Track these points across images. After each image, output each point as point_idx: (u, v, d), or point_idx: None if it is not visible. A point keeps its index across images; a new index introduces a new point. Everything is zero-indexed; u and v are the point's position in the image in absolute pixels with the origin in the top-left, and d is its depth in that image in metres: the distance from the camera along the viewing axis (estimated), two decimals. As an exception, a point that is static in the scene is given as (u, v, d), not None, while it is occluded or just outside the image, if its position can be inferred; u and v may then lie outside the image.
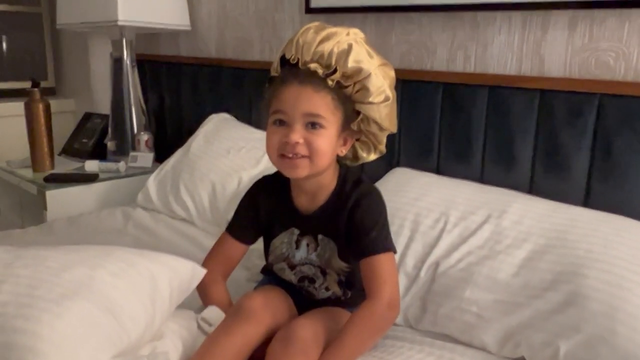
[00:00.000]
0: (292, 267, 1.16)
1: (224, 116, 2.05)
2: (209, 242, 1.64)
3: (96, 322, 0.81)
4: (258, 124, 1.99)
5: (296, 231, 1.13)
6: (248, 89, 2.06)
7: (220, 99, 2.16)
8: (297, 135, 0.99)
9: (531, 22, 1.40)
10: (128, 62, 2.20)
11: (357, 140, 1.10)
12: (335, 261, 1.11)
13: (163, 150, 2.22)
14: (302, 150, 1.00)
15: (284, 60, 1.05)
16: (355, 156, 1.14)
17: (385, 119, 1.05)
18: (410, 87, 1.58)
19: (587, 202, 1.31)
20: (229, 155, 1.82)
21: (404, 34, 1.65)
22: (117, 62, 2.21)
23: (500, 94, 1.42)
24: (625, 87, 1.24)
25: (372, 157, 1.14)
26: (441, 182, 1.41)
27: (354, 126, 1.06)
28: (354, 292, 1.15)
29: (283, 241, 1.15)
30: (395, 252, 1.06)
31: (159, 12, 2.10)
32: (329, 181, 1.09)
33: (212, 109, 2.13)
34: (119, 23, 1.97)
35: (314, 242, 1.12)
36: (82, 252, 0.96)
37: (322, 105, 0.99)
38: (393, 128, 1.09)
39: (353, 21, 1.74)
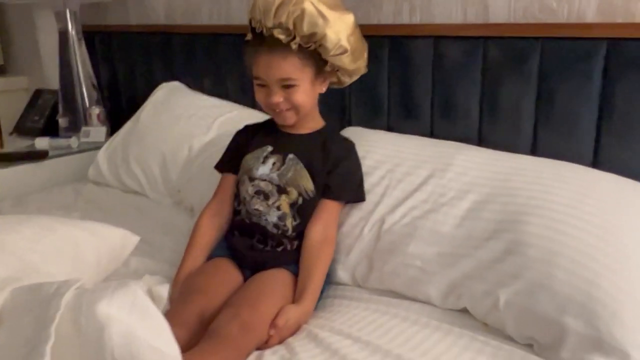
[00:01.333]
0: (252, 179, 1.22)
1: (174, 84, 1.99)
2: (162, 213, 1.62)
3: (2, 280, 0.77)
4: (210, 91, 1.94)
5: (269, 148, 1.24)
6: (198, 55, 2.00)
7: (171, 67, 2.09)
8: (276, 97, 1.16)
9: (474, -32, 1.35)
10: (74, 34, 2.12)
11: (337, 71, 1.22)
12: (304, 179, 1.20)
13: (120, 123, 2.14)
14: (284, 106, 1.18)
15: (252, 25, 1.18)
16: (339, 81, 1.27)
17: (349, 63, 1.19)
18: (357, 43, 1.53)
19: (535, 150, 1.29)
20: (179, 124, 1.76)
21: (350, -12, 1.59)
22: (63, 36, 2.13)
23: (444, 44, 1.38)
24: (567, 29, 1.21)
25: (354, 79, 1.28)
26: (388, 138, 1.37)
27: (327, 68, 1.20)
28: (298, 235, 1.18)
29: (253, 156, 1.25)
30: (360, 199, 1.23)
31: (101, -22, 2.02)
32: (310, 116, 1.25)
33: (164, 78, 2.06)
34: (58, -9, 1.88)
35: (281, 162, 1.21)
36: (-4, 221, 0.92)
37: (291, 68, 1.14)
38: (362, 63, 1.24)
39: (299, -22, 1.67)
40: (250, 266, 1.18)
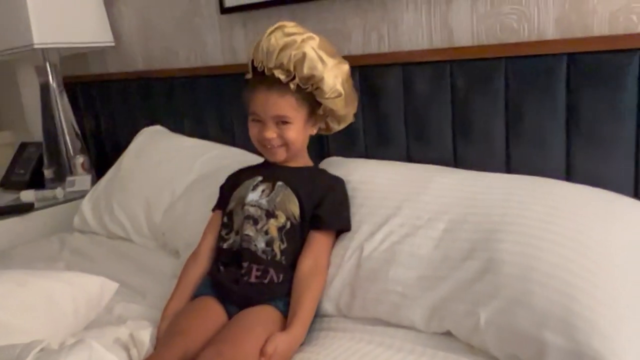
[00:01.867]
0: (243, 205, 1.25)
1: (155, 128, 2.01)
2: (148, 258, 1.62)
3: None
4: (190, 132, 1.96)
5: (259, 178, 1.28)
6: (178, 98, 2.03)
7: (152, 112, 2.12)
8: (270, 132, 1.23)
9: (435, -5, 1.39)
10: (55, 86, 2.15)
11: (326, 117, 1.31)
12: (291, 204, 1.23)
13: (105, 170, 2.15)
14: (276, 142, 1.24)
15: (254, 65, 1.26)
16: (328, 128, 1.36)
17: (341, 108, 1.28)
18: (329, 75, 1.56)
19: (509, 167, 1.30)
20: (160, 167, 1.78)
21: (320, 22, 1.62)
22: (45, 89, 2.16)
23: (412, 70, 1.41)
24: (527, 48, 1.24)
25: (342, 126, 1.37)
26: (365, 165, 1.38)
27: (320, 111, 1.28)
28: (285, 260, 1.19)
29: (244, 187, 1.28)
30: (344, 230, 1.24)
31: (78, 30, 2.05)
32: (299, 155, 1.31)
33: (146, 123, 2.08)
34: (36, 46, 1.91)
35: (270, 189, 1.25)
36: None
37: (287, 106, 1.21)
38: (353, 110, 1.33)
39: (269, 17, 1.72)
40: (236, 302, 1.17)
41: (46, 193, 2.03)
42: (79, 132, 2.22)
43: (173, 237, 1.60)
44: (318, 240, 1.21)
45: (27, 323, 0.84)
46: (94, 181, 2.13)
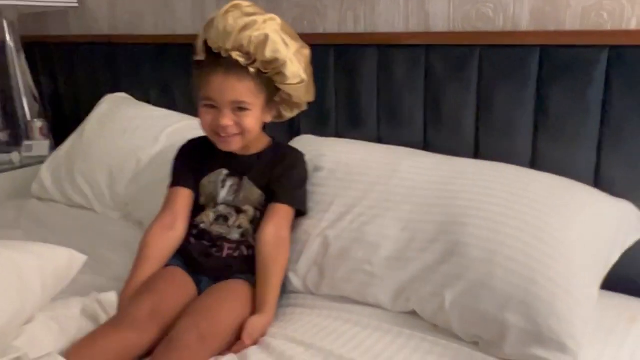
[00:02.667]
0: (215, 205, 1.23)
1: (120, 96, 1.95)
2: (110, 228, 1.59)
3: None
4: (156, 102, 1.91)
5: (224, 171, 1.24)
6: (144, 65, 1.97)
7: (117, 78, 2.05)
8: (227, 119, 1.14)
9: (414, -22, 1.39)
10: (12, 45, 2.05)
11: (281, 104, 1.25)
12: (255, 195, 1.21)
13: (63, 136, 2.08)
14: (233, 130, 1.15)
15: (207, 45, 1.15)
16: (280, 115, 1.29)
17: (302, 95, 1.22)
18: (303, 52, 1.55)
19: (477, 153, 1.33)
20: (125, 136, 1.73)
21: (295, -3, 1.60)
22: (1, 46, 2.05)
23: (388, 52, 1.41)
24: (501, 37, 1.26)
25: (294, 114, 1.30)
26: (338, 145, 1.39)
27: (277, 98, 1.22)
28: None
29: (210, 180, 1.24)
30: (301, 209, 1.23)
31: (39, -12, 1.96)
32: (255, 140, 1.23)
33: (109, 89, 2.02)
34: (-7, 2, 1.82)
35: (237, 184, 1.22)
36: None
37: (246, 92, 1.13)
38: (309, 98, 1.26)
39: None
40: (206, 274, 1.17)
41: (1, 157, 1.95)
42: (37, 95, 2.14)
43: (137, 207, 1.58)
44: (277, 211, 1.19)
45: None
46: (52, 147, 2.06)
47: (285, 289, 1.20)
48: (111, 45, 2.04)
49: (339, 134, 1.54)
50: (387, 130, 1.47)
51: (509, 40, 1.25)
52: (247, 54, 1.12)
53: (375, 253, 1.12)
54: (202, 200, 1.25)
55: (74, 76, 2.21)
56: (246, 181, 1.22)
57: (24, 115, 2.09)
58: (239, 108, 1.14)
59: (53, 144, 2.07)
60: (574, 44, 1.17)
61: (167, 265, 1.20)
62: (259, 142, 1.26)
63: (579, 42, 1.17)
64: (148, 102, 1.93)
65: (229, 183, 1.23)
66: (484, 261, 1.00)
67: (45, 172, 1.79)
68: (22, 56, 2.09)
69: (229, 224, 1.21)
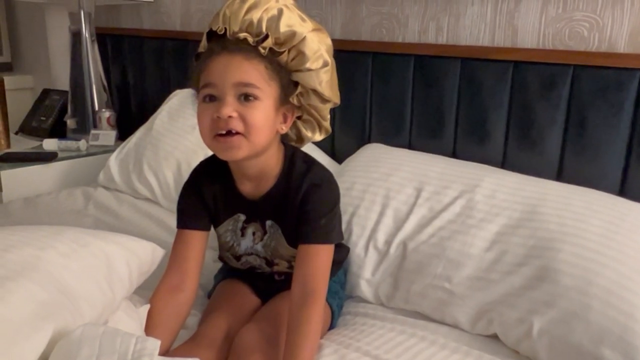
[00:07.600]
0: (237, 257, 1.08)
1: (189, 91, 1.96)
2: (174, 222, 1.59)
3: (42, 304, 0.74)
4: (225, 100, 1.92)
5: (242, 217, 1.03)
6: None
7: (186, 74, 2.07)
8: (229, 109, 0.87)
9: (505, -8, 1.36)
10: (87, 36, 2.09)
11: (299, 118, 1.02)
12: (283, 249, 1.03)
13: (127, 127, 2.13)
14: (236, 125, 0.88)
15: (210, 35, 0.96)
16: (300, 137, 1.06)
17: (325, 87, 0.96)
18: (381, 60, 1.54)
19: (560, 176, 1.29)
20: (194, 132, 1.74)
21: (375, 5, 1.59)
22: (76, 36, 2.10)
23: (473, 66, 1.38)
24: (598, 58, 1.22)
25: (318, 137, 1.05)
26: (413, 156, 1.37)
27: (293, 99, 0.96)
28: None
29: (228, 229, 1.05)
30: (337, 242, 1.02)
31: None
32: (274, 164, 0.99)
33: (177, 85, 2.04)
34: (74, -8, 1.86)
35: (261, 230, 1.03)
36: (29, 232, 0.89)
37: (255, 73, 0.89)
38: (336, 99, 1.00)
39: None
40: (263, 292, 1.13)
41: (69, 144, 1.99)
42: (106, 85, 2.18)
43: (203, 204, 1.58)
44: (305, 256, 0.96)
45: (88, 288, 0.82)
46: (117, 137, 2.09)
47: (351, 293, 1.17)
48: (182, 40, 2.06)
49: (412, 145, 1.52)
50: (463, 144, 1.44)
51: (607, 62, 1.21)
52: (257, 33, 0.92)
53: (457, 271, 1.09)
54: (221, 253, 1.12)
55: (143, 70, 2.24)
56: (272, 226, 1.02)
57: (93, 104, 2.13)
58: (245, 96, 0.89)
59: (118, 134, 2.11)
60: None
61: (224, 277, 1.16)
62: (272, 171, 0.99)
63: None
64: (216, 99, 1.94)
65: (249, 230, 1.04)
66: (579, 291, 0.96)
67: (113, 162, 1.82)
68: (95, 46, 2.13)
69: (265, 273, 1.10)
